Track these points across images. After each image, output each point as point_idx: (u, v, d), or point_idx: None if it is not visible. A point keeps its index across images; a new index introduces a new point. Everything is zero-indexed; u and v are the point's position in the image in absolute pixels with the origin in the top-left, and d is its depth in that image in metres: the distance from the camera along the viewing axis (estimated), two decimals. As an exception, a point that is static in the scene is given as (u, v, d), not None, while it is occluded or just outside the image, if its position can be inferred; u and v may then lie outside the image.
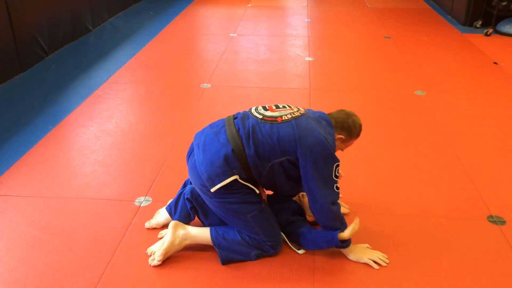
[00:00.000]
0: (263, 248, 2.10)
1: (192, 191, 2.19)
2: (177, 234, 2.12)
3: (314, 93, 3.90)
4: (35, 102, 3.73)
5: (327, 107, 3.65)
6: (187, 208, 2.21)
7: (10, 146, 3.07)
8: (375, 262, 2.07)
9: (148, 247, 2.17)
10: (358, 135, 2.18)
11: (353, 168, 2.80)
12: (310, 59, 4.72)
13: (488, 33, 5.43)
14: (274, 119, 2.03)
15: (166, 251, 2.08)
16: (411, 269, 2.08)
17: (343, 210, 2.32)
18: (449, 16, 6.31)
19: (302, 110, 2.11)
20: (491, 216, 2.41)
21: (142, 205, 2.49)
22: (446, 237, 2.27)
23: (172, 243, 2.10)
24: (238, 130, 2.02)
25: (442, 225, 2.36)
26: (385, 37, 5.40)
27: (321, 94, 3.91)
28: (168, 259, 2.11)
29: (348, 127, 2.13)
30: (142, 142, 3.14)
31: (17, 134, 3.23)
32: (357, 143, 3.17)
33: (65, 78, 4.19)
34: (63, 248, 2.18)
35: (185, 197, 2.20)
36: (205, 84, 4.07)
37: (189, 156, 2.15)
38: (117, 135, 3.22)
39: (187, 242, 2.13)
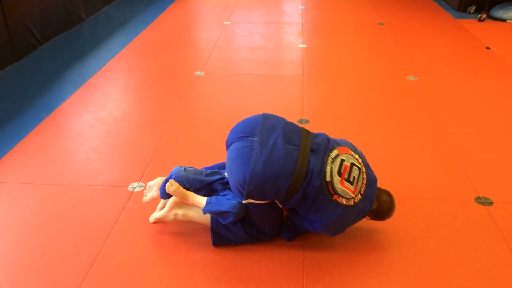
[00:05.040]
0: (260, 238, 2.15)
1: None
2: (172, 212, 2.18)
3: (307, 80, 3.92)
4: (29, 91, 3.74)
5: (320, 94, 3.70)
6: None
7: (4, 134, 3.09)
8: None
9: (140, 232, 2.21)
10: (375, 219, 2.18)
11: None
12: (304, 46, 4.73)
13: (481, 19, 5.43)
14: (333, 194, 1.92)
15: (157, 220, 2.23)
16: (399, 249, 2.12)
17: None
18: (443, 2, 6.30)
19: (358, 198, 1.98)
20: (479, 198, 2.45)
21: (135, 190, 2.52)
22: (434, 218, 2.31)
23: (165, 217, 2.21)
24: (306, 173, 1.90)
25: (430, 206, 2.40)
26: (379, 24, 5.41)
27: (314, 80, 3.93)
28: (160, 242, 2.16)
29: (379, 216, 2.14)
30: (135, 130, 3.16)
31: (12, 122, 3.25)
32: (349, 128, 3.21)
33: (58, 67, 4.20)
34: (57, 233, 2.22)
35: None
36: (199, 72, 4.09)
37: (241, 138, 2.01)
38: (110, 122, 3.24)
39: (181, 219, 2.19)
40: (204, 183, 2.16)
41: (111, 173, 2.68)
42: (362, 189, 1.99)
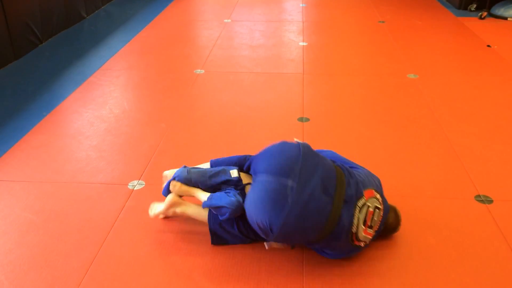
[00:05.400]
0: (257, 240, 2.13)
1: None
2: (170, 210, 2.18)
3: (307, 78, 3.92)
4: (29, 89, 3.74)
5: (320, 92, 3.70)
6: None
7: (4, 133, 3.09)
8: None
9: (140, 231, 2.22)
10: None
11: (345, 150, 2.82)
12: (304, 44, 4.73)
13: (482, 16, 5.42)
14: (354, 240, 1.93)
15: (156, 216, 2.24)
16: (399, 247, 2.12)
17: None
18: (443, 0, 6.29)
19: (372, 235, 2.01)
20: (479, 196, 2.45)
21: (135, 188, 2.52)
22: (434, 216, 2.31)
23: (162, 214, 2.22)
24: (336, 227, 1.85)
25: (430, 204, 2.40)
26: (380, 22, 5.40)
27: (314, 78, 3.93)
28: (160, 240, 2.16)
29: (384, 232, 2.13)
30: (135, 128, 3.16)
31: (12, 120, 3.25)
32: (349, 126, 3.20)
33: (59, 65, 4.20)
34: (57, 231, 2.22)
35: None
36: (199, 70, 4.08)
37: (275, 174, 1.87)
38: (110, 121, 3.24)
39: (179, 215, 2.21)
40: (207, 186, 2.15)
41: (111, 171, 2.68)
42: (377, 227, 2.00)
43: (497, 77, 3.91)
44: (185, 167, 2.23)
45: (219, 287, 1.93)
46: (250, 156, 2.20)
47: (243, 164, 2.19)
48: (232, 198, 2.01)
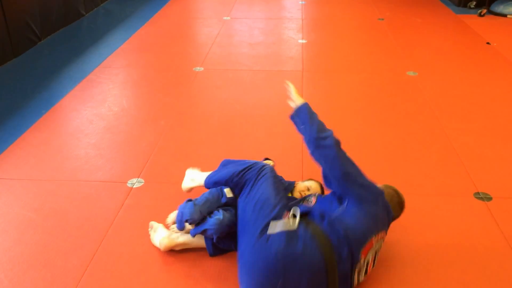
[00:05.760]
0: None
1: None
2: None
3: (306, 75, 3.92)
4: (28, 87, 3.74)
5: (319, 89, 3.70)
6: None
7: (3, 130, 3.09)
8: None
9: (140, 229, 2.21)
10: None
11: (344, 147, 2.82)
12: (304, 41, 4.72)
13: (482, 14, 5.42)
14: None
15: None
16: (397, 245, 2.12)
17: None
18: (443, -3, 6.29)
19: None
20: (478, 193, 2.45)
21: (134, 186, 2.52)
22: (433, 213, 2.31)
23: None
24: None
25: (429, 201, 2.40)
26: (379, 19, 5.39)
27: (313, 76, 3.93)
28: (159, 238, 2.16)
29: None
30: (134, 125, 3.16)
31: (11, 118, 3.25)
32: (349, 124, 3.20)
33: (58, 63, 4.19)
34: (56, 229, 2.22)
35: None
36: (198, 68, 4.08)
37: (271, 245, 1.72)
38: (109, 118, 3.24)
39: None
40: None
41: (110, 169, 2.68)
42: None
43: (497, 74, 3.91)
44: (194, 204, 2.04)
45: (218, 286, 1.93)
46: (236, 175, 2.04)
47: (231, 182, 2.07)
48: (212, 219, 1.98)
